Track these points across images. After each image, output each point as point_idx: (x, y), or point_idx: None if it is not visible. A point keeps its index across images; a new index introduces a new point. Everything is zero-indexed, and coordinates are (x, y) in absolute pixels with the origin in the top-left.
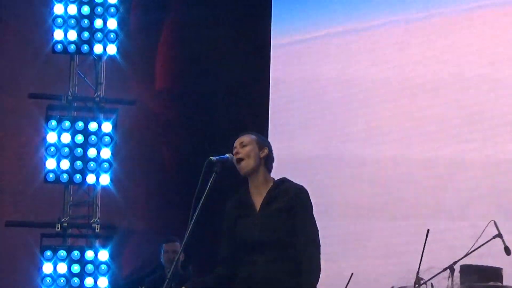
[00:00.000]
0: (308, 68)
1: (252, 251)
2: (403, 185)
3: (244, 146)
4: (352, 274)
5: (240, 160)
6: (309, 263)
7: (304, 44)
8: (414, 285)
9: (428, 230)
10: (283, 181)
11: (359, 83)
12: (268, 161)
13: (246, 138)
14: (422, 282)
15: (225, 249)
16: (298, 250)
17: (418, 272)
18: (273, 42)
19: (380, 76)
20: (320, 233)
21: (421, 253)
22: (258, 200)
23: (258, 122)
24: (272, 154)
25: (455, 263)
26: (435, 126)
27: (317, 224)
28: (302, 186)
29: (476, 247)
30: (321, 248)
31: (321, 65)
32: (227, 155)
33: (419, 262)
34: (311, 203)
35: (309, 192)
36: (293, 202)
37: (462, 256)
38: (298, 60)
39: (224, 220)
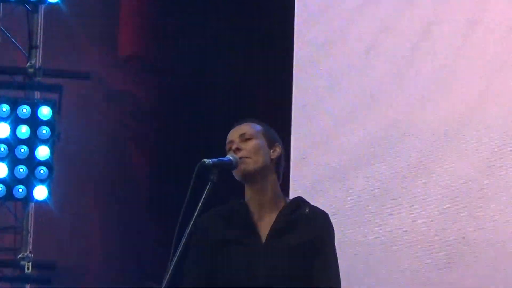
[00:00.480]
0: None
1: None
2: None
3: (246, 140)
4: None
5: (242, 159)
6: None
7: None
8: None
9: None
10: (303, 201)
11: None
12: (279, 165)
13: (248, 128)
14: None
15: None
16: None
17: None
18: None
19: None
20: None
21: None
22: (263, 224)
23: (280, 113)
24: (284, 155)
25: None
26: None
27: None
28: (325, 213)
29: None
30: None
31: None
32: (230, 156)
33: None
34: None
35: None
36: (320, 236)
37: None
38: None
39: (193, 245)
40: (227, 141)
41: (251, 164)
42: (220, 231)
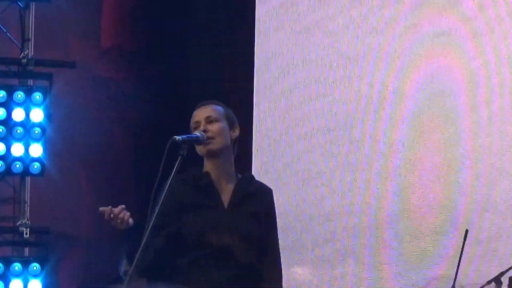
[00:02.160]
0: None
1: (210, 259)
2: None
3: (212, 122)
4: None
5: (209, 139)
6: None
7: None
8: None
9: (467, 230)
10: (252, 177)
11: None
12: (236, 143)
13: (213, 111)
14: None
15: (159, 240)
16: (263, 274)
17: (453, 286)
18: None
19: None
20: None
21: (458, 260)
22: (223, 192)
23: (244, 94)
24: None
25: (502, 274)
26: None
27: None
28: (269, 188)
29: None
30: None
31: None
32: (197, 133)
33: (455, 272)
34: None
35: None
36: (268, 208)
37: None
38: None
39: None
40: (193, 120)
41: (216, 144)
42: (187, 195)
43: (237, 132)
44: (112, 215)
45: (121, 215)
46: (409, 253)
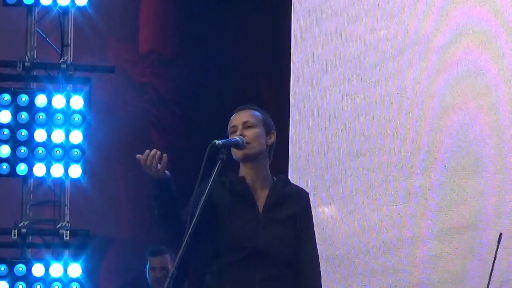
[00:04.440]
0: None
1: (249, 262)
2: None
3: (249, 127)
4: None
5: (245, 144)
6: None
7: None
8: None
9: (501, 234)
10: (288, 180)
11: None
12: (272, 148)
13: (251, 116)
14: None
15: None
16: (301, 275)
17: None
18: None
19: None
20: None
21: (491, 263)
22: (257, 196)
23: (277, 94)
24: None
25: None
26: None
27: None
28: (305, 191)
29: None
30: None
31: None
32: (237, 137)
33: (489, 275)
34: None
35: None
36: (304, 211)
37: None
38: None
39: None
40: (231, 125)
41: (251, 150)
42: (224, 199)
43: (273, 138)
44: (148, 161)
45: (156, 157)
46: None
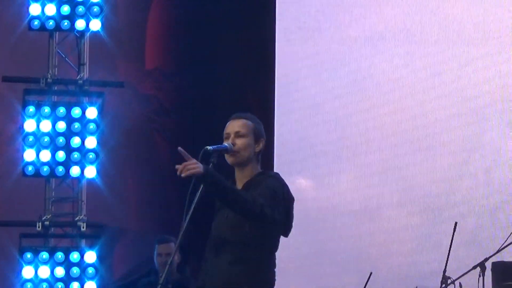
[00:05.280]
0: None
1: (216, 248)
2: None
3: (240, 137)
4: (371, 273)
5: (235, 152)
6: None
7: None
8: (441, 285)
9: (456, 223)
10: (263, 173)
11: None
12: (260, 155)
13: (242, 126)
14: (449, 281)
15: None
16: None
17: (445, 271)
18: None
19: None
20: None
21: (448, 249)
22: None
23: (264, 105)
24: (264, 146)
25: (486, 259)
26: None
27: None
28: (275, 173)
29: (510, 241)
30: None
31: None
32: (226, 144)
33: (446, 259)
34: (278, 184)
35: None
36: (259, 184)
37: (495, 252)
38: (303, 36)
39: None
40: (225, 131)
41: (239, 158)
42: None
43: (261, 146)
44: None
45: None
46: None
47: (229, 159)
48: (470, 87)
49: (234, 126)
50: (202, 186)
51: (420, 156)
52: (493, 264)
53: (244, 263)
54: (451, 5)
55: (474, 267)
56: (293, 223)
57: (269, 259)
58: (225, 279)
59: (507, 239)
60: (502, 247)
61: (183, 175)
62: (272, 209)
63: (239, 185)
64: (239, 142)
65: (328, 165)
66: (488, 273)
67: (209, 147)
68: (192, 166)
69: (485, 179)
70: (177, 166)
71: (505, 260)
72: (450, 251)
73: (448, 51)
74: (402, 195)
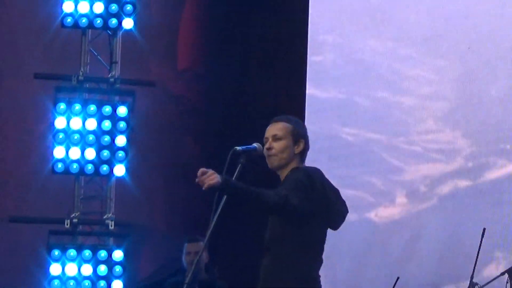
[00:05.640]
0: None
1: (264, 251)
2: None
3: (277, 140)
4: (398, 278)
5: (271, 156)
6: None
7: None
8: None
9: (485, 229)
10: (297, 168)
11: None
12: (303, 155)
13: (280, 129)
14: (476, 287)
15: None
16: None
17: (472, 277)
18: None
19: None
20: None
21: (476, 255)
22: None
23: (295, 106)
24: (308, 145)
25: None
26: None
27: None
28: (299, 168)
29: None
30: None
31: None
32: (255, 144)
33: (473, 265)
34: (295, 178)
35: None
36: (284, 183)
37: None
38: (337, 34)
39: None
40: (265, 135)
41: (276, 161)
42: None
43: (301, 146)
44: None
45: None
46: None
47: (268, 162)
48: None
49: (272, 130)
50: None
51: None
52: None
53: (279, 261)
54: None
55: (502, 274)
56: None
57: (304, 255)
58: (265, 278)
59: None
60: None
61: (203, 188)
62: (298, 198)
63: None
64: (276, 145)
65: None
66: None
67: (238, 148)
68: (210, 178)
69: None
70: (197, 180)
71: None
72: (478, 256)
73: None
74: None
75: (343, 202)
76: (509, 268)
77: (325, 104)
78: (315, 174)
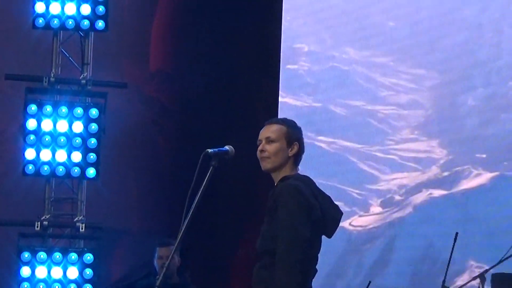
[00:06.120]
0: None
1: (257, 257)
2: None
3: (271, 142)
4: (369, 282)
5: (264, 158)
6: (278, 278)
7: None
8: None
9: (457, 233)
10: (284, 179)
11: None
12: (297, 158)
13: (274, 131)
14: None
15: None
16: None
17: (444, 281)
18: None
19: None
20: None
21: (448, 260)
22: None
23: (269, 113)
24: (302, 148)
25: (486, 271)
26: None
27: None
28: (288, 184)
29: (511, 254)
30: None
31: None
32: (227, 147)
33: (445, 270)
34: (292, 201)
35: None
36: (274, 206)
37: (495, 263)
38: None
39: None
40: (259, 137)
41: (269, 164)
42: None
43: (295, 149)
44: None
45: None
46: None
47: (261, 165)
48: None
49: (265, 132)
50: (202, 186)
51: None
52: (493, 275)
53: (270, 267)
54: None
55: (474, 278)
56: None
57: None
58: (254, 284)
59: (508, 251)
60: (503, 258)
61: None
62: (294, 260)
63: None
64: (270, 147)
65: None
66: (488, 284)
67: (209, 150)
68: None
69: None
70: None
71: (505, 272)
72: (450, 260)
73: None
74: None
75: (336, 207)
76: (480, 273)
77: (300, 112)
78: (306, 188)
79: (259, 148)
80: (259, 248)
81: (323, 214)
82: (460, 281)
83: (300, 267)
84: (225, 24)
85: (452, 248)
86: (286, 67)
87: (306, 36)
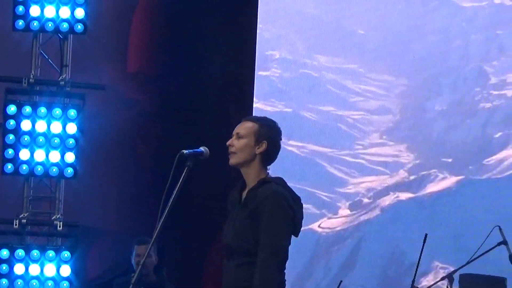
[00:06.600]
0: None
1: (228, 254)
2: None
3: (239, 138)
4: (341, 281)
5: (230, 153)
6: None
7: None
8: None
9: (426, 234)
10: (265, 182)
11: None
12: (265, 156)
13: (244, 128)
14: None
15: None
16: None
17: (413, 281)
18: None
19: None
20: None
21: (415, 260)
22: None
23: (244, 113)
24: (274, 147)
25: (454, 271)
26: None
27: None
28: (275, 191)
29: (478, 255)
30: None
31: None
32: (202, 148)
33: (415, 270)
34: (279, 211)
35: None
36: (258, 210)
37: (463, 264)
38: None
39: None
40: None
41: (234, 159)
42: (228, 204)
43: (263, 147)
44: None
45: None
46: None
47: (230, 160)
48: None
49: (237, 128)
50: (177, 187)
51: None
52: (461, 276)
53: (249, 267)
54: None
55: (443, 279)
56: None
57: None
58: (232, 282)
59: (476, 252)
60: (471, 259)
61: None
62: (274, 269)
63: (245, 186)
64: (237, 143)
65: None
66: (456, 284)
67: (185, 151)
68: None
69: None
70: None
71: (473, 272)
72: (420, 261)
73: None
74: None
75: (302, 207)
76: (448, 274)
77: (271, 117)
78: (288, 194)
79: (228, 142)
80: (236, 247)
81: (294, 215)
82: (425, 282)
83: (279, 275)
84: (202, 30)
85: (422, 249)
86: (258, 74)
87: (278, 43)
